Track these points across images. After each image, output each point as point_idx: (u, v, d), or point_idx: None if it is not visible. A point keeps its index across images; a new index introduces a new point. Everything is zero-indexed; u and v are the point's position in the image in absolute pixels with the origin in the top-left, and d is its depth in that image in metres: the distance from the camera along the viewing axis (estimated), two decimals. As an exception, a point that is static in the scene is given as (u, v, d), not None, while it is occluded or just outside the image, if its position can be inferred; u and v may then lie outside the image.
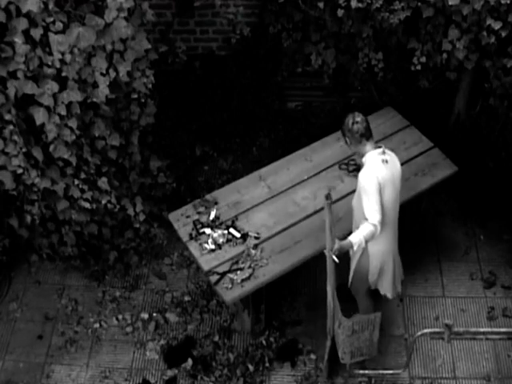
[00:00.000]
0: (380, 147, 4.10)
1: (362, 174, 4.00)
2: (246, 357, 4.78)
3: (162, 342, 4.92)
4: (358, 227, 4.07)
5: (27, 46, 3.71)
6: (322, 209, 4.60)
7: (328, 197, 3.59)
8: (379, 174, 3.98)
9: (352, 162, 4.94)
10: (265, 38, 5.68)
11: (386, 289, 4.44)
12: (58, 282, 5.28)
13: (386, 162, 4.03)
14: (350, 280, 4.43)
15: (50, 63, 3.81)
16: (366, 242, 4.03)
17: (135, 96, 4.39)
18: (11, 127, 3.99)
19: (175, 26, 5.75)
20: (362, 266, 4.26)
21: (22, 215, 4.67)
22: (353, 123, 4.03)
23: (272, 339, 4.85)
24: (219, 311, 5.06)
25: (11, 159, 4.11)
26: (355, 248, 3.99)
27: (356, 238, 3.96)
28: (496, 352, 4.79)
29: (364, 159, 4.07)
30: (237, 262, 4.38)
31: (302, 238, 4.50)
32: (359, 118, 4.06)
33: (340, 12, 4.63)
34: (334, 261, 3.79)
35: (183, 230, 4.60)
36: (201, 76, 5.95)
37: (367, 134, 4.07)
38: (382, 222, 4.01)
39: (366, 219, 3.98)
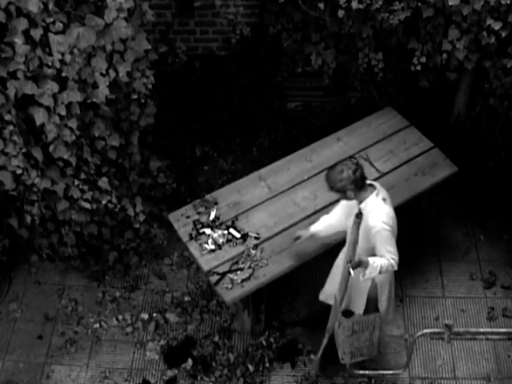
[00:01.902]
0: (372, 186, 3.98)
1: (374, 221, 3.86)
2: (246, 357, 4.79)
3: (162, 342, 4.92)
4: None
5: (27, 46, 3.71)
6: (322, 209, 4.62)
7: (359, 216, 3.59)
8: (388, 215, 3.92)
9: (354, 161, 4.93)
10: (265, 38, 5.68)
11: (390, 313, 4.46)
12: (58, 282, 5.29)
13: (385, 199, 3.96)
14: (361, 309, 4.37)
15: (49, 63, 3.81)
16: (380, 273, 3.95)
17: (135, 96, 4.39)
18: (11, 127, 3.99)
19: (175, 26, 5.75)
20: (370, 297, 4.26)
21: (21, 215, 4.67)
22: (354, 171, 3.85)
23: (272, 339, 4.85)
24: (219, 311, 5.07)
25: (11, 159, 4.11)
26: (368, 272, 3.89)
27: (374, 263, 3.88)
28: (496, 352, 4.79)
29: (364, 205, 3.94)
30: (237, 262, 4.38)
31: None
32: (354, 164, 3.89)
33: (340, 13, 4.63)
34: (349, 273, 3.81)
35: (183, 230, 4.60)
36: (201, 76, 5.95)
37: (365, 176, 3.94)
38: None
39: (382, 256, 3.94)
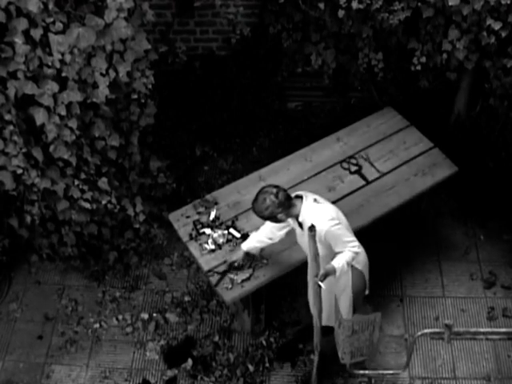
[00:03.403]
0: (299, 196, 3.97)
1: (319, 224, 3.78)
2: (246, 357, 4.79)
3: (162, 342, 4.92)
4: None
5: (27, 46, 3.71)
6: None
7: (312, 229, 3.58)
8: (328, 210, 3.93)
9: (354, 162, 4.94)
10: (265, 38, 5.68)
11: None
12: (58, 282, 5.29)
13: (316, 199, 3.96)
14: (348, 313, 4.37)
15: (50, 63, 3.81)
16: (348, 264, 3.99)
17: (135, 96, 4.39)
18: (11, 127, 3.99)
19: (175, 26, 5.75)
20: (358, 286, 4.25)
21: (22, 215, 4.67)
22: (276, 195, 3.84)
23: (272, 339, 4.85)
24: (219, 311, 5.07)
25: (11, 159, 4.11)
26: (338, 274, 3.95)
27: (339, 264, 3.92)
28: (496, 352, 4.79)
29: (302, 218, 3.93)
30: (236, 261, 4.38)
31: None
32: (272, 188, 3.88)
33: (340, 13, 4.63)
34: (319, 286, 3.81)
35: (183, 230, 4.60)
36: (201, 76, 5.95)
37: (288, 193, 3.93)
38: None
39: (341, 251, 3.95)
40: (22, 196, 4.53)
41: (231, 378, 4.68)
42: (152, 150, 5.09)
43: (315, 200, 3.96)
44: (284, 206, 3.87)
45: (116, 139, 4.44)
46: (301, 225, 4.00)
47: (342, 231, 3.92)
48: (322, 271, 3.82)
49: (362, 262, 4.18)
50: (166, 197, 5.32)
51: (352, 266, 4.10)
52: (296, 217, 3.97)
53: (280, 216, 3.92)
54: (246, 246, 4.31)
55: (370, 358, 4.39)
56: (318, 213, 3.91)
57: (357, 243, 3.97)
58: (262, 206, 3.88)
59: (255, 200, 3.93)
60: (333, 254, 3.98)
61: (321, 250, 3.75)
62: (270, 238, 4.26)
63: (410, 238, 5.38)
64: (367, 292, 4.45)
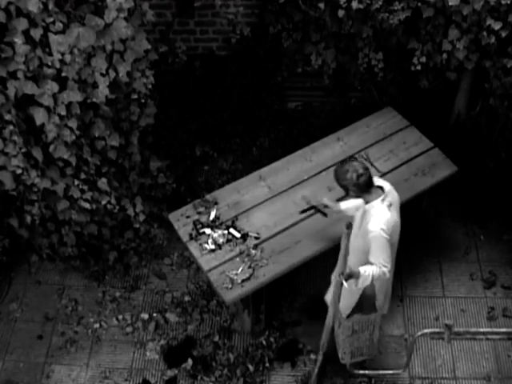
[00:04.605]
0: (381, 189, 3.96)
1: (373, 225, 3.85)
2: (246, 357, 4.79)
3: (162, 342, 4.92)
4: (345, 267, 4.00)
5: (27, 46, 3.71)
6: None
7: (349, 226, 3.58)
8: (390, 222, 3.90)
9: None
10: (265, 38, 5.68)
11: (385, 308, 4.46)
12: (57, 282, 5.29)
13: (391, 205, 3.94)
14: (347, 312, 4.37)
15: (49, 63, 3.81)
16: (372, 281, 3.95)
17: (135, 96, 4.40)
18: (11, 127, 3.99)
19: (175, 26, 5.75)
20: (367, 295, 4.24)
21: (22, 215, 4.67)
22: (358, 177, 3.84)
23: (272, 339, 4.86)
24: (219, 311, 5.07)
25: (11, 159, 4.11)
26: (360, 281, 3.91)
27: (365, 272, 3.89)
28: (496, 352, 4.79)
29: (369, 206, 3.93)
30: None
31: (302, 238, 4.50)
32: (361, 169, 3.87)
33: (340, 13, 4.64)
34: (342, 284, 3.81)
35: (183, 230, 4.60)
36: (201, 76, 5.95)
37: (372, 181, 3.92)
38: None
39: (373, 264, 3.92)
40: (22, 196, 4.53)
41: (231, 378, 4.68)
42: (152, 150, 5.09)
43: (390, 205, 3.93)
44: (359, 188, 3.89)
45: (116, 139, 4.44)
46: (364, 211, 3.99)
47: (386, 246, 3.88)
48: (347, 271, 3.82)
49: (381, 281, 4.14)
50: (166, 197, 5.32)
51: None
52: (366, 202, 3.97)
53: (351, 193, 3.94)
54: (344, 205, 4.32)
55: (370, 357, 4.39)
56: (381, 217, 3.88)
57: (389, 267, 3.92)
58: (342, 176, 3.90)
59: (341, 165, 3.96)
60: (365, 257, 3.95)
61: (358, 242, 3.83)
62: (358, 207, 4.21)
63: (410, 237, 5.38)
64: (385, 312, 4.45)
